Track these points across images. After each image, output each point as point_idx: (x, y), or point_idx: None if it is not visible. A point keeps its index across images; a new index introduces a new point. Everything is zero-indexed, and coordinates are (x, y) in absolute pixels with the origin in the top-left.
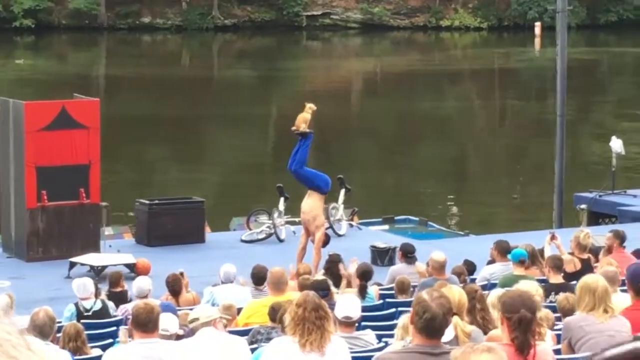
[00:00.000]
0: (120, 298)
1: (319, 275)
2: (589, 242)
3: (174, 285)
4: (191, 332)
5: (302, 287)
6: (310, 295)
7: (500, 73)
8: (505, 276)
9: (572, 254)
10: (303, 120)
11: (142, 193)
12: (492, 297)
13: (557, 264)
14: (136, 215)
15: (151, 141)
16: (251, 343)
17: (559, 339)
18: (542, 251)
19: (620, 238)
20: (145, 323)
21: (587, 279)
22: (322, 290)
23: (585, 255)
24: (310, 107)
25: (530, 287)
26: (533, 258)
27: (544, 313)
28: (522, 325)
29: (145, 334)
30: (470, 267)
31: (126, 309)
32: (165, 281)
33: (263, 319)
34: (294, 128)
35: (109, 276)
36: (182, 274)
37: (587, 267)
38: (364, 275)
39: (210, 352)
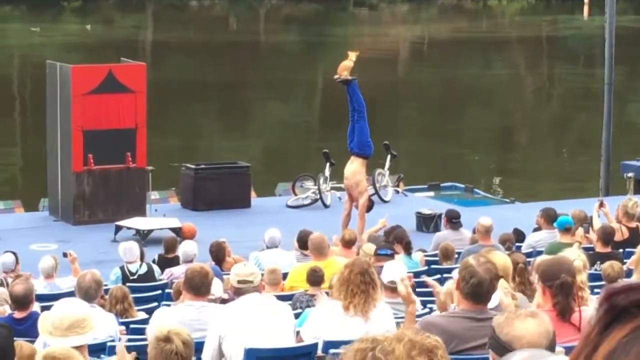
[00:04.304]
0: (173, 265)
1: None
2: (637, 211)
3: (217, 254)
4: (237, 293)
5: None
6: (360, 259)
7: (548, 41)
8: (552, 244)
9: (619, 222)
10: (345, 68)
11: (188, 157)
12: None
13: (607, 238)
14: (182, 180)
15: (197, 106)
16: (293, 309)
17: None
18: (590, 219)
19: None
20: (199, 287)
21: None
22: (389, 248)
23: (634, 224)
24: (353, 54)
25: (573, 254)
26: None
27: (584, 276)
28: (564, 290)
29: (196, 297)
30: (519, 236)
31: (171, 273)
32: (209, 250)
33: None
34: (336, 76)
35: (164, 241)
36: (223, 242)
37: (634, 236)
38: (397, 239)
39: (256, 317)
